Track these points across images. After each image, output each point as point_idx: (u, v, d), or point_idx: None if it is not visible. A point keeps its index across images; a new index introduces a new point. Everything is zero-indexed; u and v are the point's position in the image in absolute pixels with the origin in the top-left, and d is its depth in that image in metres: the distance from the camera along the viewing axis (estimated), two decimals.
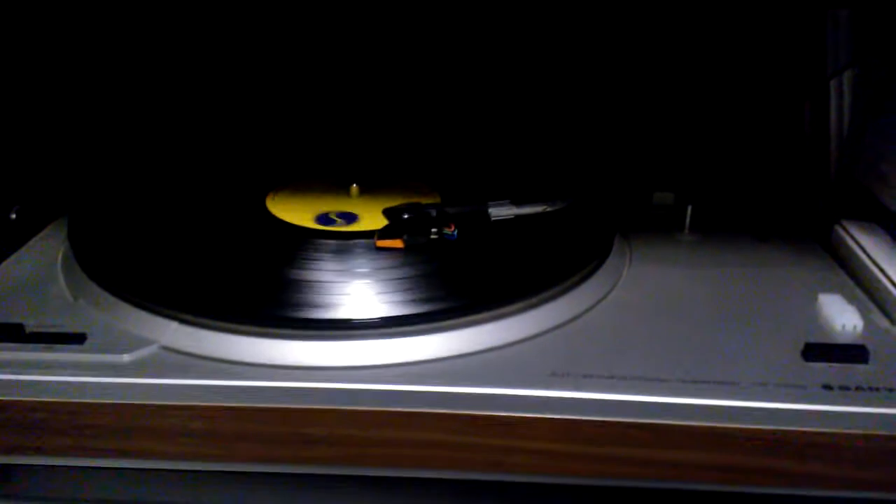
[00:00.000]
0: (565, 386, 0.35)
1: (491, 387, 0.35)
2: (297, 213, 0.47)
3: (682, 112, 0.58)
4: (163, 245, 0.45)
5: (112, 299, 0.40)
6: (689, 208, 0.49)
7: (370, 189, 0.51)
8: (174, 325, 0.38)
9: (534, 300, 0.40)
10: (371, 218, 0.47)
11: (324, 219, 0.47)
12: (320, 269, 0.42)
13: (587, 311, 0.41)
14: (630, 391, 0.35)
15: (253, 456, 0.36)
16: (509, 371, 0.36)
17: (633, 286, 0.44)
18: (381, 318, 0.38)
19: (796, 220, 0.51)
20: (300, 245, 0.44)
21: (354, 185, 0.50)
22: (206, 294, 0.39)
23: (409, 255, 0.43)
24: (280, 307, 0.38)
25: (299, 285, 0.40)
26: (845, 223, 0.48)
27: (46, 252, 0.47)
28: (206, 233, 0.46)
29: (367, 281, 0.41)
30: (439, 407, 0.35)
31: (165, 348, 0.37)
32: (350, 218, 0.47)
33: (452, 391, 0.35)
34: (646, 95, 0.58)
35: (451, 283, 0.40)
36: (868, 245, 0.45)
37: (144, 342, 0.37)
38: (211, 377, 0.36)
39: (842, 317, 0.39)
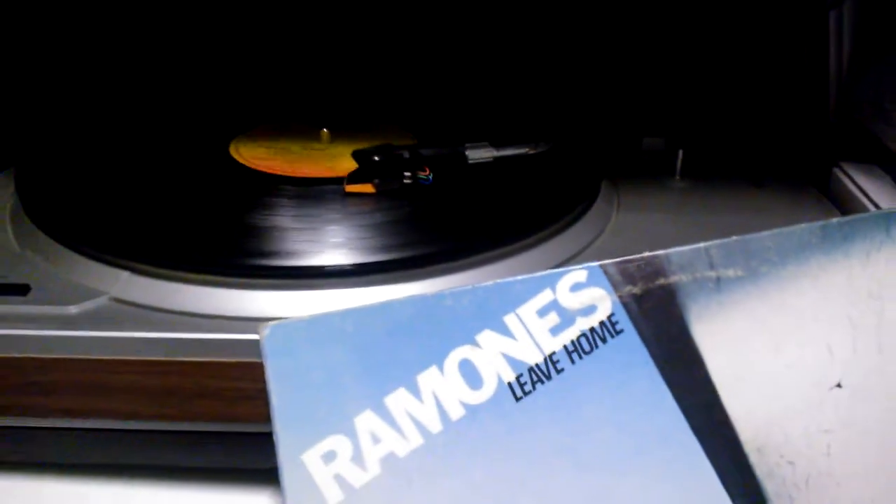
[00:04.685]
0: None
1: None
2: (264, 159, 0.45)
3: (673, 51, 0.56)
4: (113, 193, 0.42)
5: (59, 248, 0.38)
6: (681, 153, 0.47)
7: (342, 133, 0.48)
8: (125, 274, 0.36)
9: (514, 247, 0.38)
10: (343, 163, 0.44)
11: None
12: (284, 216, 0.40)
13: (571, 258, 0.39)
14: None
15: (213, 415, 0.34)
16: None
17: (621, 233, 0.41)
18: (353, 266, 0.36)
19: (793, 163, 0.49)
20: (266, 191, 0.42)
21: (325, 129, 0.48)
22: (160, 242, 0.37)
23: (380, 200, 0.41)
24: (240, 254, 0.36)
25: (262, 232, 0.38)
26: (845, 165, 0.46)
27: None
28: (161, 180, 0.44)
29: (336, 227, 0.39)
30: None
31: (116, 300, 0.35)
32: None
33: None
34: (634, 33, 0.56)
35: (425, 229, 0.38)
36: (869, 188, 0.43)
37: (93, 293, 0.35)
38: (165, 329, 0.33)
39: None
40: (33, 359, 0.33)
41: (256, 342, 0.32)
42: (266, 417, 0.32)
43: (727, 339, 0.27)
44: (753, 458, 0.27)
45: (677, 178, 0.47)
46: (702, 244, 0.28)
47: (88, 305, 0.34)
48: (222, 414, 0.34)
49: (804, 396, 0.27)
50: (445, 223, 0.39)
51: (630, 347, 0.27)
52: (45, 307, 0.34)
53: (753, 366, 0.27)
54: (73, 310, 0.34)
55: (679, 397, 0.27)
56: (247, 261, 0.36)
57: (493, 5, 0.56)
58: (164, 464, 0.37)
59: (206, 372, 0.33)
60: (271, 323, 0.27)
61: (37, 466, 0.37)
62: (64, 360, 0.33)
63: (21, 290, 0.35)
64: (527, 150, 0.45)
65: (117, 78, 0.57)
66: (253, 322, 0.33)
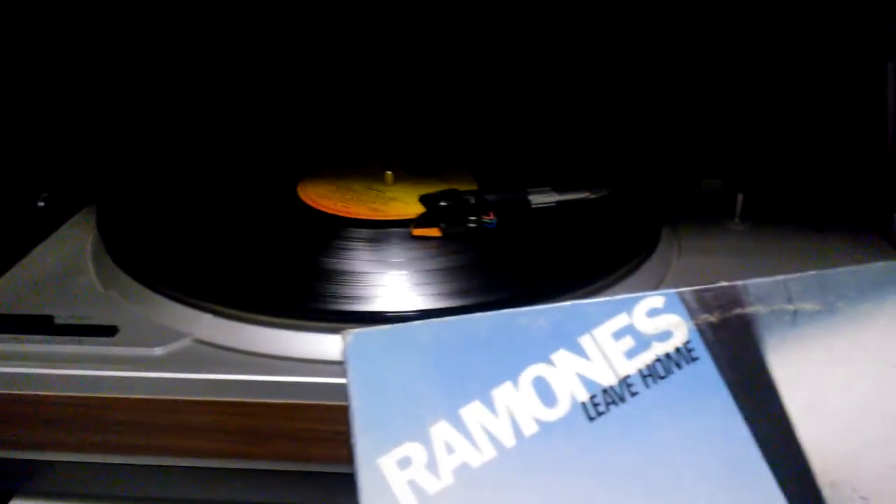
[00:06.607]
0: None
1: None
2: (331, 201, 0.46)
3: (732, 95, 0.56)
4: (194, 235, 0.44)
5: (143, 291, 0.39)
6: (740, 196, 0.47)
7: (405, 176, 0.49)
8: (207, 317, 0.37)
9: (579, 293, 0.38)
10: (405, 206, 0.45)
11: None
12: (355, 259, 0.41)
13: None
14: None
15: (290, 454, 0.35)
16: None
17: (683, 279, 0.42)
18: (419, 311, 0.36)
19: (854, 208, 0.49)
20: (335, 234, 0.43)
21: (389, 172, 0.49)
22: (240, 285, 0.38)
23: (446, 244, 0.42)
24: (315, 299, 0.37)
25: (334, 276, 0.39)
26: None
27: (75, 241, 0.46)
28: (237, 222, 0.45)
29: (404, 272, 0.39)
30: None
31: (199, 341, 0.36)
32: None
33: None
34: (694, 77, 0.56)
35: (490, 274, 0.39)
36: None
37: (177, 335, 0.36)
38: (246, 371, 0.34)
39: None
40: (118, 399, 0.34)
41: (332, 385, 0.34)
42: (341, 458, 0.34)
43: (803, 371, 0.27)
44: (826, 492, 0.27)
45: (737, 220, 0.47)
46: (781, 277, 0.28)
47: (173, 347, 0.35)
48: (298, 454, 0.35)
49: (879, 432, 0.27)
50: (509, 268, 0.40)
51: (705, 375, 0.27)
52: (131, 349, 0.35)
53: (828, 400, 0.27)
54: (157, 351, 0.35)
55: (753, 427, 0.27)
56: (320, 305, 0.37)
57: (551, 56, 0.57)
58: (242, 500, 0.37)
59: (283, 413, 0.34)
60: (354, 330, 0.27)
61: (119, 500, 0.38)
62: (147, 399, 0.34)
63: (109, 331, 0.36)
64: (587, 194, 0.45)
65: (191, 122, 0.59)
66: (328, 365, 0.34)
